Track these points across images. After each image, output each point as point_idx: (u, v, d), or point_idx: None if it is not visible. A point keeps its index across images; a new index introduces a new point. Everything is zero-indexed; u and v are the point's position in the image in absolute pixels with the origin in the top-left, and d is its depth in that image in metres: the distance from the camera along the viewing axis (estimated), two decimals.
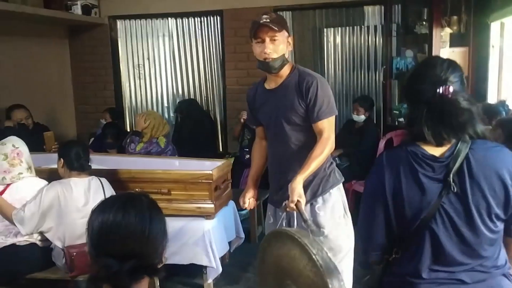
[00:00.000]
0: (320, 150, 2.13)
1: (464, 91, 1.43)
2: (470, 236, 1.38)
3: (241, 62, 5.45)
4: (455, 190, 1.36)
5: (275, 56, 2.18)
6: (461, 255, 1.40)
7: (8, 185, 2.96)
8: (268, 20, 2.17)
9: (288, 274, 1.72)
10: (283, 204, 2.09)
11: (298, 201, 2.01)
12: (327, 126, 2.18)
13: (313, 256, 1.58)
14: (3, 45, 4.96)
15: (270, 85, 2.31)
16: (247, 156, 4.81)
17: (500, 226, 1.41)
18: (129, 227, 1.15)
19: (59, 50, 5.91)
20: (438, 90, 1.36)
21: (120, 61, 5.98)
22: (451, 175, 1.35)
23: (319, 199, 2.30)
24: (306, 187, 2.21)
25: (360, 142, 4.78)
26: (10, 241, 2.95)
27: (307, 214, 2.22)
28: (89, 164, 3.06)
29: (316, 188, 2.30)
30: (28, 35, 5.31)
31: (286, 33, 2.24)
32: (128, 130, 5.78)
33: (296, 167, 2.20)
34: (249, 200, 2.49)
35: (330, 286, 1.47)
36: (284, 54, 2.21)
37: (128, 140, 4.12)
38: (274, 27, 2.16)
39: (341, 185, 2.38)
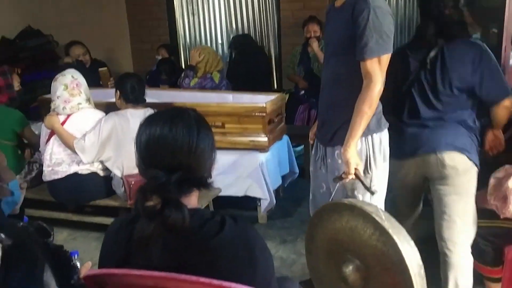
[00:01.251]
0: (363, 103, 1.83)
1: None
2: (433, 99, 2.09)
3: None
4: (429, 67, 2.07)
5: None
6: (427, 110, 2.11)
7: (68, 116, 3.07)
8: None
9: (347, 248, 1.65)
10: (335, 175, 1.95)
11: (355, 169, 1.87)
12: (373, 68, 1.83)
13: (381, 224, 1.50)
14: None
15: (337, 2, 2.01)
16: (302, 92, 4.70)
17: (458, 93, 2.06)
18: (176, 140, 1.13)
19: None
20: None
21: None
22: (428, 58, 2.05)
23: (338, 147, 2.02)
24: (327, 127, 2.07)
25: None
26: (73, 169, 3.08)
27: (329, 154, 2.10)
28: (144, 97, 3.10)
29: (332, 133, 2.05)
30: None
31: None
32: (183, 67, 5.79)
33: (331, 104, 2.04)
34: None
35: (403, 254, 1.43)
36: None
37: (182, 75, 4.12)
38: None
39: (375, 135, 2.00)
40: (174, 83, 4.44)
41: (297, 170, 3.80)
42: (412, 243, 1.51)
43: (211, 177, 1.20)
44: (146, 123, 1.18)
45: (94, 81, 4.16)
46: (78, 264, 1.70)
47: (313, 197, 2.27)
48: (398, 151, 2.12)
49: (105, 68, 4.35)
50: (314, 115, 4.61)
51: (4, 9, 4.46)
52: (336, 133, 2.02)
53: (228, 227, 1.12)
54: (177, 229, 1.06)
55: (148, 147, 1.15)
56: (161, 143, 1.13)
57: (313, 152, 2.27)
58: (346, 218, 1.60)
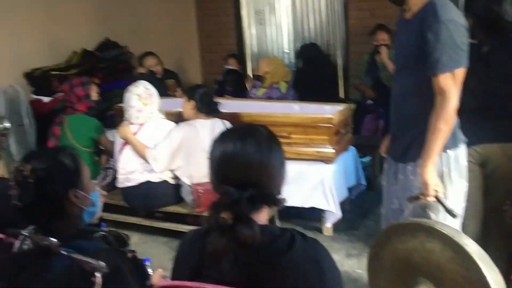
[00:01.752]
0: (439, 120, 1.76)
1: None
2: None
3: (365, 2, 5.13)
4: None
5: None
6: None
7: (141, 125, 3.20)
8: None
9: (420, 270, 1.59)
10: (409, 196, 1.88)
11: (435, 190, 1.79)
12: (446, 84, 1.75)
13: (464, 249, 1.44)
14: None
15: (407, 14, 1.96)
16: (369, 101, 4.61)
17: None
18: (248, 157, 1.15)
19: None
20: None
21: (241, 7, 6.00)
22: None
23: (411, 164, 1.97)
24: (398, 143, 2.01)
25: None
26: (145, 177, 3.22)
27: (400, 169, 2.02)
28: (217, 107, 3.17)
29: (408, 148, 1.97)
30: None
31: None
32: (251, 76, 5.87)
33: (401, 119, 1.99)
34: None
35: (488, 280, 1.37)
36: None
37: (250, 85, 4.18)
38: None
39: (450, 152, 1.90)
40: (240, 94, 4.51)
41: (364, 182, 3.73)
42: (496, 268, 1.43)
43: (280, 193, 1.21)
44: (219, 140, 1.21)
45: (164, 90, 4.34)
46: (150, 271, 1.77)
47: (385, 212, 2.21)
48: None
49: (172, 80, 4.52)
50: (382, 125, 4.50)
51: (85, 23, 4.76)
52: (407, 149, 1.97)
53: (298, 245, 1.12)
54: (248, 244, 1.07)
55: (221, 164, 1.18)
56: (234, 160, 1.16)
57: (385, 166, 2.22)
58: (421, 239, 1.54)
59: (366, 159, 4.33)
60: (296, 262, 1.10)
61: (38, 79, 4.24)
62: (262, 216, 1.18)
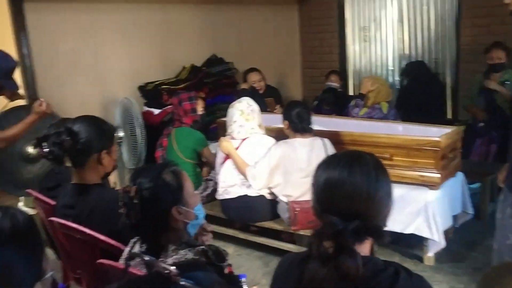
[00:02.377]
0: None
1: None
2: None
3: (479, 18, 4.82)
4: None
5: None
6: None
7: (242, 140, 3.29)
8: None
9: None
10: None
11: None
12: None
13: None
14: (243, 12, 5.47)
15: None
16: (481, 124, 4.30)
17: None
18: (354, 186, 1.12)
19: (289, 16, 6.21)
20: None
21: (346, 24, 5.95)
22: None
23: None
24: None
25: None
26: (243, 191, 3.29)
27: None
28: (310, 126, 3.15)
29: None
30: (263, 3, 5.71)
31: None
32: (351, 93, 5.78)
33: None
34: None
35: None
36: None
37: (352, 104, 4.11)
38: None
39: None
40: (338, 113, 4.45)
41: (471, 211, 3.46)
42: None
43: (386, 225, 1.16)
44: (324, 166, 1.19)
45: (265, 106, 4.42)
46: (246, 287, 1.79)
47: (497, 247, 2.04)
48: None
49: (271, 98, 4.58)
50: (494, 149, 4.18)
51: (195, 40, 5.03)
52: None
53: (403, 281, 1.07)
54: (350, 277, 1.04)
55: (326, 191, 1.16)
56: (339, 188, 1.13)
57: (501, 197, 2.04)
58: None
59: (475, 185, 4.03)
60: None
61: (150, 92, 4.56)
62: (365, 248, 1.14)
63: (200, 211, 1.55)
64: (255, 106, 3.35)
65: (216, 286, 1.21)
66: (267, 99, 4.54)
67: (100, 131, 1.90)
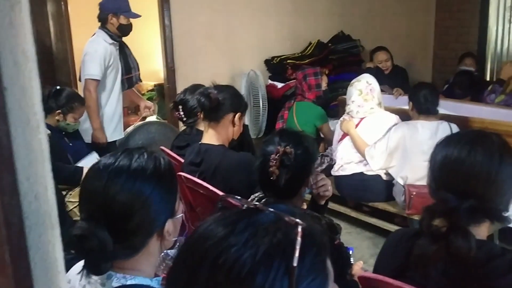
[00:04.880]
0: None
1: None
2: None
3: None
4: None
5: None
6: None
7: (361, 119, 3.25)
8: None
9: None
10: None
11: None
12: None
13: None
14: None
15: None
16: None
17: None
18: (474, 166, 1.08)
19: None
20: None
21: (490, 2, 5.45)
22: None
23: None
24: None
25: None
26: (359, 168, 3.27)
27: None
28: (436, 108, 3.00)
29: None
30: None
31: None
32: (488, 79, 5.32)
33: None
34: None
35: None
36: None
37: (489, 89, 3.81)
38: None
39: None
40: (472, 97, 4.14)
41: None
42: None
43: (508, 210, 1.10)
44: (444, 143, 1.16)
45: (391, 87, 4.27)
46: (352, 260, 1.82)
47: None
48: None
49: (399, 89, 4.32)
50: None
51: (322, 16, 5.01)
52: None
53: None
54: (461, 257, 1.02)
55: (443, 168, 1.13)
56: (457, 166, 1.10)
57: None
58: None
59: None
60: None
61: (276, 66, 4.68)
62: (482, 231, 1.09)
63: None
64: (374, 85, 3.26)
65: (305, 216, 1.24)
66: (395, 89, 4.30)
67: (239, 95, 2.15)
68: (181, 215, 1.08)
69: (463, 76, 4.63)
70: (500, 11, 5.40)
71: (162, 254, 1.30)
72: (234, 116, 2.06)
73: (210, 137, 2.06)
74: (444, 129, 2.92)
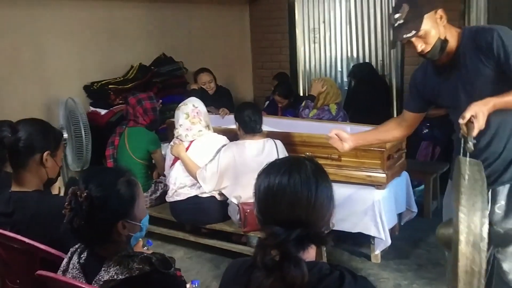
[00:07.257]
0: None
1: None
2: None
3: None
4: None
5: (429, 48, 1.85)
6: None
7: (191, 142, 3.25)
8: (401, 22, 1.83)
9: None
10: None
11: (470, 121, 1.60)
12: None
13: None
14: (194, 12, 5.40)
15: (441, 61, 1.92)
16: (425, 130, 4.45)
17: None
18: (294, 194, 1.11)
19: (240, 16, 6.19)
20: None
21: (296, 25, 6.00)
22: None
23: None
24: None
25: None
26: (194, 192, 3.25)
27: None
28: (260, 126, 3.15)
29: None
30: (213, 2, 5.66)
31: (430, 13, 1.83)
32: (301, 94, 5.84)
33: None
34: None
35: None
36: (439, 37, 1.84)
37: (303, 104, 4.15)
38: (409, 32, 1.81)
39: None
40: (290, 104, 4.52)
41: (415, 209, 3.59)
42: None
43: (329, 228, 1.16)
44: (265, 173, 1.18)
45: (216, 107, 4.37)
46: None
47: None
48: None
49: (225, 109, 4.40)
50: (438, 152, 4.37)
51: (143, 39, 4.90)
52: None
53: (348, 284, 1.08)
54: (296, 286, 1.04)
55: (267, 199, 1.15)
56: (279, 196, 1.12)
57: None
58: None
59: (420, 187, 4.20)
60: None
61: (96, 92, 4.41)
62: (310, 254, 1.14)
63: (146, 222, 1.51)
64: (201, 108, 3.31)
65: None
66: (221, 109, 4.39)
67: (44, 130, 1.83)
68: None
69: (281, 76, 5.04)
70: (305, 33, 5.99)
71: None
72: (42, 157, 1.78)
73: (20, 183, 1.79)
74: (270, 146, 3.09)
